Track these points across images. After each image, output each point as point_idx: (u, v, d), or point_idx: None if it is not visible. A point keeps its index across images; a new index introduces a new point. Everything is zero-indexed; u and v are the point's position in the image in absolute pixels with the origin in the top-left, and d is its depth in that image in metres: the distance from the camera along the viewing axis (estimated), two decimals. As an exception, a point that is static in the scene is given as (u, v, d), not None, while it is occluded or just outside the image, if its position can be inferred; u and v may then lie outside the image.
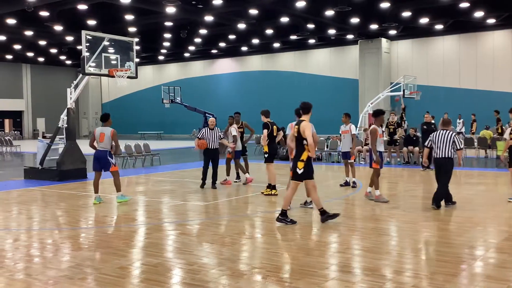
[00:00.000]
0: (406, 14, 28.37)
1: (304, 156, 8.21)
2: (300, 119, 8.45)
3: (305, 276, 5.65)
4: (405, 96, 26.71)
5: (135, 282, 5.63)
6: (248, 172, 13.87)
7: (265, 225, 8.68)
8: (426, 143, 10.06)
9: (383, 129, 17.75)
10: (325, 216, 8.35)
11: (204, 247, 7.04)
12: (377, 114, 10.66)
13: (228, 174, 13.67)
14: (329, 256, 6.53)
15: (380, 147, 10.60)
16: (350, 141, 12.65)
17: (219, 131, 13.05)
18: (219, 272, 5.83)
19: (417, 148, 18.17)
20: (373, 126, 10.52)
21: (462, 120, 28.45)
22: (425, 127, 16.41)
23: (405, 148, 18.41)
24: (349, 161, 12.75)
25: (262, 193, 11.62)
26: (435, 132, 9.84)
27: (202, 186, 12.76)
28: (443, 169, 9.60)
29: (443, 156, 9.51)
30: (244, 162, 13.98)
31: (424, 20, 29.49)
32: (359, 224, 8.40)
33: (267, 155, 11.71)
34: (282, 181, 12.98)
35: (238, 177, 13.99)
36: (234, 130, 13.54)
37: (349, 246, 7.03)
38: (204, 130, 12.74)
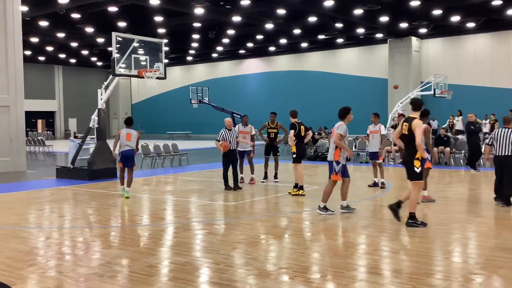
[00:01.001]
0: (437, 12, 27.89)
1: (419, 154, 7.99)
2: (411, 116, 8.22)
3: (332, 277, 5.61)
4: (436, 95, 26.28)
5: (163, 280, 5.69)
6: (276, 173, 13.90)
7: (293, 225, 8.66)
8: (487, 141, 10.03)
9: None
10: (414, 222, 7.98)
11: (231, 246, 7.06)
12: (426, 114, 10.59)
13: (252, 173, 13.71)
14: (357, 258, 6.47)
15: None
16: (379, 142, 12.56)
17: (236, 131, 12.99)
18: (246, 272, 5.84)
19: (448, 149, 17.85)
20: (424, 124, 10.45)
21: (488, 120, 27.75)
22: (472, 127, 16.11)
23: (435, 149, 18.08)
24: (377, 161, 12.63)
25: (290, 193, 11.60)
26: (496, 130, 9.87)
27: (229, 188, 12.47)
28: (506, 167, 9.52)
29: (504, 154, 9.48)
30: (275, 163, 14.01)
31: (455, 18, 28.94)
32: (388, 225, 8.29)
33: (295, 155, 11.68)
34: (309, 181, 12.96)
35: (265, 176, 14.00)
36: (254, 129, 13.74)
37: (378, 247, 6.94)
38: (223, 132, 12.41)
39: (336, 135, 9.04)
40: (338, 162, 9.12)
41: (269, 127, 13.91)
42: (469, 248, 7.00)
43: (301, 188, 11.50)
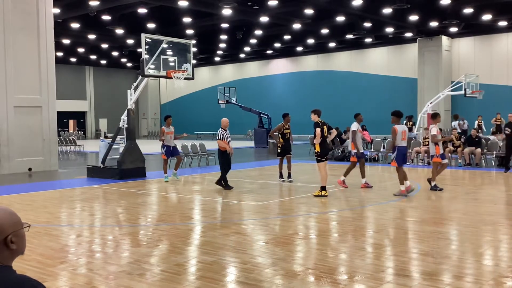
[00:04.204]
0: (468, 10, 27.36)
1: None
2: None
3: (360, 278, 5.57)
4: (467, 95, 25.77)
5: (191, 279, 5.74)
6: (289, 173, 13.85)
7: (319, 225, 8.63)
8: None
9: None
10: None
11: (258, 246, 7.08)
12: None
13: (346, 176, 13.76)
14: (385, 259, 6.41)
15: None
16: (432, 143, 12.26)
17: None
18: (272, 272, 5.85)
19: (479, 150, 17.50)
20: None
21: None
22: (508, 129, 15.54)
23: (466, 149, 17.77)
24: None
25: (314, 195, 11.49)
26: None
27: (229, 187, 12.59)
28: None
29: None
30: (288, 163, 14.13)
31: (487, 17, 28.35)
32: (417, 227, 8.19)
33: (318, 154, 11.55)
34: (336, 182, 12.88)
35: (291, 176, 14.03)
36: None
37: (406, 249, 6.86)
38: (221, 131, 12.71)
39: None
40: None
41: (285, 128, 14.14)
42: (500, 251, 6.86)
43: (323, 188, 11.36)
